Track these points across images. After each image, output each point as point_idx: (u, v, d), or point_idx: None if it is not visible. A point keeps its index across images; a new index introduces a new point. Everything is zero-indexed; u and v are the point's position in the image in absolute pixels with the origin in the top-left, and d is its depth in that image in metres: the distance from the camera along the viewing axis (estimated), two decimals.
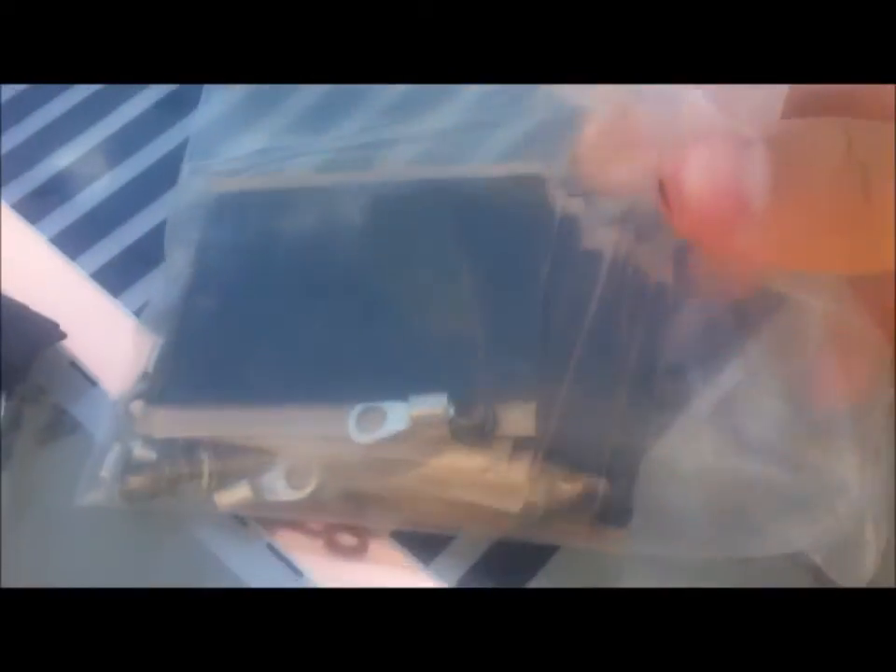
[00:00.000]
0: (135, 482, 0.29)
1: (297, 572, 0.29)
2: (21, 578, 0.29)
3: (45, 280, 0.35)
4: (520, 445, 0.27)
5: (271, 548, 0.30)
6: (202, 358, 0.30)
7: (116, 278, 0.35)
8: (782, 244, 0.21)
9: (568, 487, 0.27)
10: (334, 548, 0.29)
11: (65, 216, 0.37)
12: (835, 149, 0.20)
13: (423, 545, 0.29)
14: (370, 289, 0.30)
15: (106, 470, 0.29)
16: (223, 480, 0.29)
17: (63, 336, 0.32)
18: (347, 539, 0.30)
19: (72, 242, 0.36)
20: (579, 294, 0.28)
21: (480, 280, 0.29)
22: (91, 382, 0.33)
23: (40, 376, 0.33)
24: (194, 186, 0.33)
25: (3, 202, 0.37)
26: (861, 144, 0.20)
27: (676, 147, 0.21)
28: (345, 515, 0.29)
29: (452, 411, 0.26)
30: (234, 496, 0.28)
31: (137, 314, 0.34)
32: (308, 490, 0.28)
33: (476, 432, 0.27)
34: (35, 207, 0.37)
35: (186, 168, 0.34)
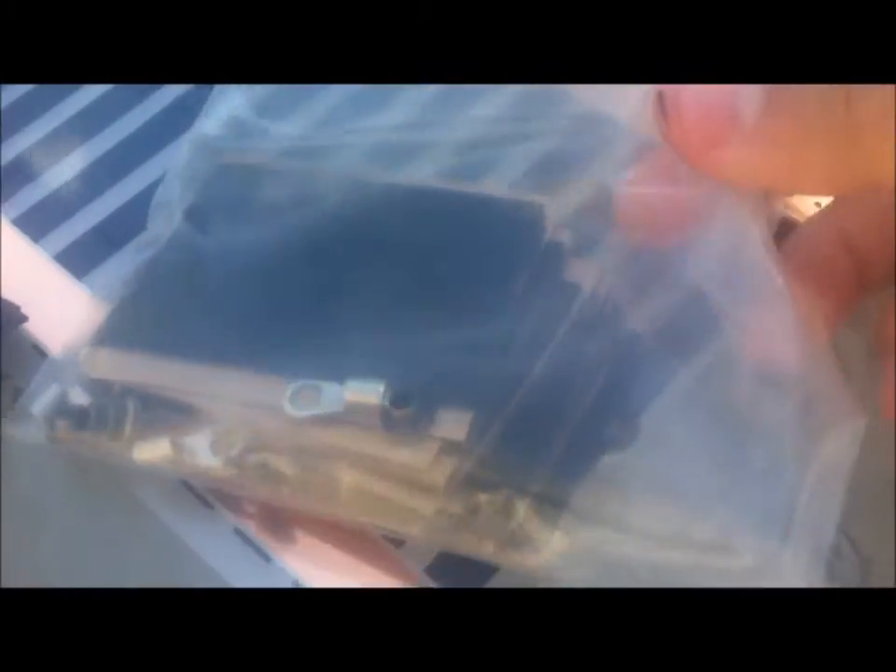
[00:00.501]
0: (62, 424, 0.29)
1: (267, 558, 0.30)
2: None
3: (7, 262, 0.34)
4: (447, 450, 0.27)
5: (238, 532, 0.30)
6: (156, 310, 0.30)
7: (80, 260, 0.35)
8: (769, 160, 0.22)
9: (487, 500, 0.27)
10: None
11: (28, 197, 0.36)
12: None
13: None
14: (338, 270, 0.30)
15: (38, 408, 0.29)
16: (146, 433, 0.29)
17: (23, 319, 0.32)
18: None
19: (35, 224, 0.36)
20: (548, 321, 0.28)
21: (454, 285, 0.29)
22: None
23: (2, 360, 0.32)
24: (198, 157, 0.33)
25: None
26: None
27: None
28: (262, 491, 0.29)
29: (387, 401, 0.26)
30: (154, 451, 0.28)
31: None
32: (229, 458, 0.28)
33: (406, 426, 0.27)
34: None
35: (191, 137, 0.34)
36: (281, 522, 0.30)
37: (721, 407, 0.26)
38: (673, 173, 0.24)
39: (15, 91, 0.39)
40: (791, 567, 0.24)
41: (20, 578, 0.29)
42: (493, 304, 0.29)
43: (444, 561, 0.29)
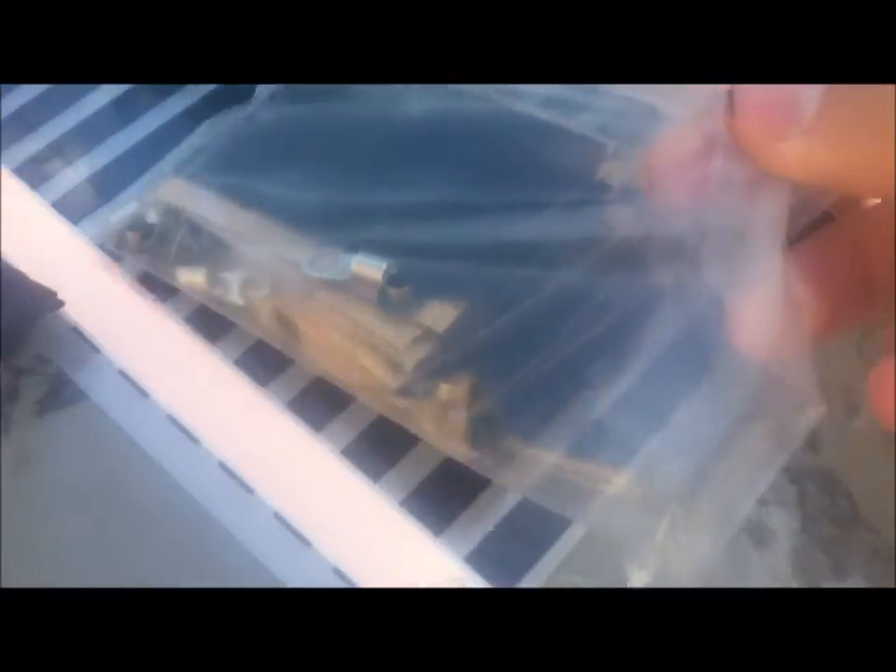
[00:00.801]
0: (131, 235, 0.34)
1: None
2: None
3: (46, 246, 0.34)
4: (425, 337, 0.29)
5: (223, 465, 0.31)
6: (230, 158, 0.34)
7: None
8: (826, 156, 0.22)
9: (447, 388, 0.28)
10: None
11: (68, 179, 0.36)
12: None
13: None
14: (399, 164, 0.33)
15: (115, 218, 0.34)
16: (188, 258, 0.33)
17: (60, 304, 0.32)
18: None
19: (75, 207, 0.36)
20: (572, 252, 0.29)
21: (499, 191, 0.31)
22: (94, 349, 0.33)
23: (41, 344, 0.33)
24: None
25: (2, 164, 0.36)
26: None
27: None
28: (273, 337, 0.32)
29: (386, 279, 0.29)
30: (191, 276, 0.33)
31: (140, 281, 0.34)
32: (253, 300, 0.32)
33: (396, 306, 0.29)
34: (36, 172, 0.36)
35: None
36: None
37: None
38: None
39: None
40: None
41: (20, 578, 0.29)
42: (525, 217, 0.30)
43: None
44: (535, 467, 0.28)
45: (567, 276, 0.29)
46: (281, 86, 0.36)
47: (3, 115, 0.38)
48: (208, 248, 0.33)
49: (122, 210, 0.34)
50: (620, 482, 0.27)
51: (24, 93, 0.39)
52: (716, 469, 0.25)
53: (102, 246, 0.35)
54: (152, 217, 0.34)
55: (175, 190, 0.33)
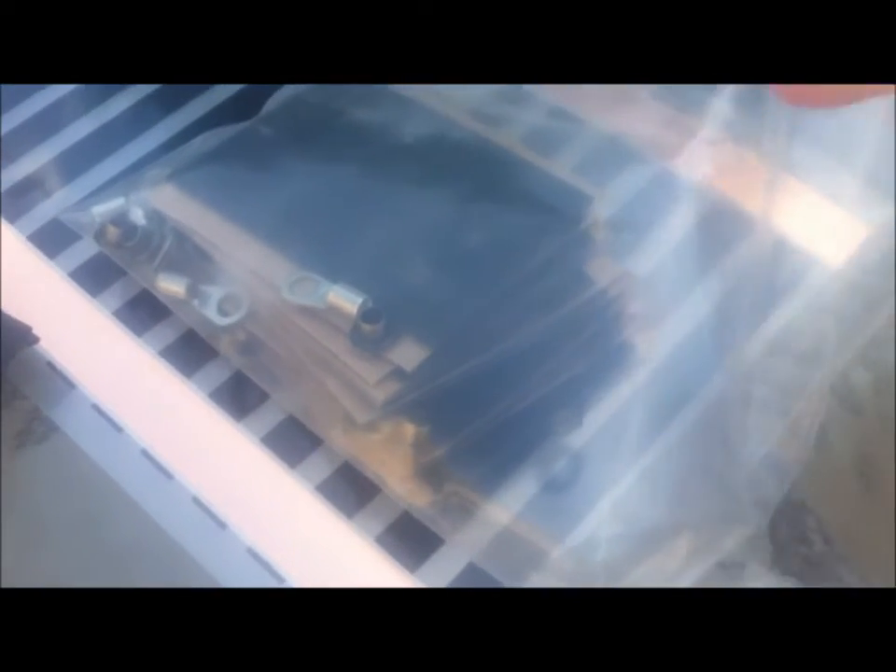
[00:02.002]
0: (112, 230, 0.34)
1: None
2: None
3: (21, 281, 0.34)
4: (397, 376, 0.29)
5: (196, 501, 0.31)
6: (224, 172, 0.35)
7: (93, 279, 0.35)
8: None
9: (411, 431, 0.29)
10: None
11: (44, 214, 0.36)
12: None
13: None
14: (385, 191, 0.33)
15: (99, 210, 0.34)
16: (171, 267, 0.33)
17: (35, 340, 0.32)
18: None
19: (52, 240, 0.36)
20: (548, 300, 0.30)
21: (479, 235, 0.32)
22: (69, 384, 0.33)
23: (17, 379, 0.32)
24: None
25: None
26: None
27: None
28: (242, 360, 0.32)
29: (360, 313, 0.29)
30: (172, 285, 0.33)
31: (116, 315, 0.34)
32: (228, 321, 0.32)
33: (368, 342, 0.29)
34: (13, 205, 0.36)
35: None
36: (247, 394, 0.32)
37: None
38: None
39: None
40: None
41: (20, 578, 0.29)
42: (503, 265, 0.31)
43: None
44: (487, 527, 0.28)
45: (539, 325, 0.29)
46: (280, 104, 0.37)
47: None
48: (192, 258, 0.33)
49: (107, 204, 0.34)
50: (556, 554, 0.27)
51: (2, 125, 0.39)
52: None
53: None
54: (138, 218, 0.34)
55: (164, 196, 0.34)
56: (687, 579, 0.26)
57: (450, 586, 0.28)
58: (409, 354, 0.29)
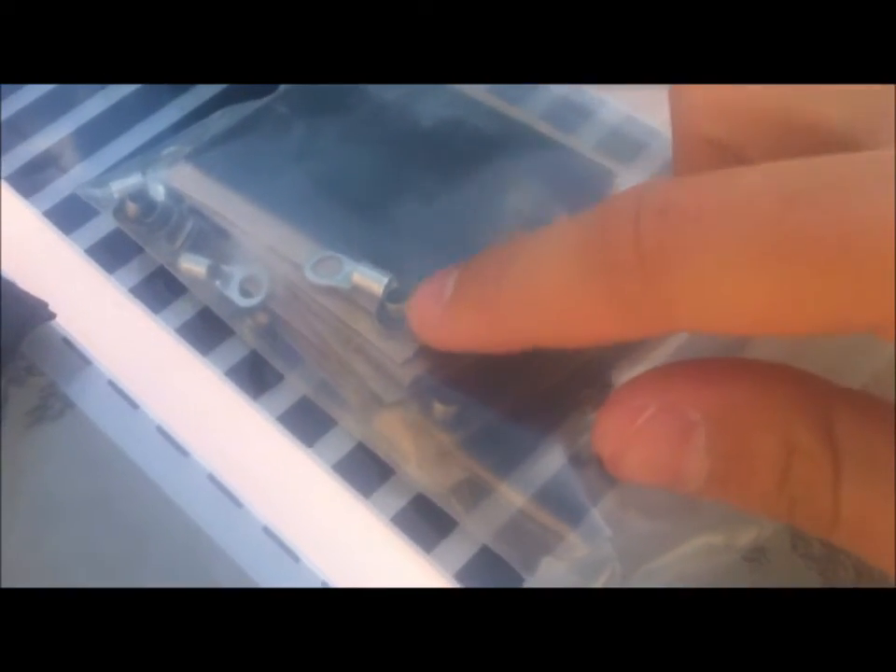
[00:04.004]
0: (131, 206, 0.33)
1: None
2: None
3: (37, 257, 0.34)
4: (422, 355, 0.29)
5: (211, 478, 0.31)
6: (245, 151, 0.34)
7: (110, 256, 0.35)
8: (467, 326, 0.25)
9: (440, 410, 0.28)
10: None
11: (60, 190, 0.36)
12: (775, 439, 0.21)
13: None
14: (405, 171, 0.33)
15: (117, 185, 0.34)
16: (193, 248, 0.33)
17: (51, 316, 0.32)
18: None
19: (68, 216, 0.36)
20: None
21: (499, 214, 0.31)
22: (85, 360, 0.33)
23: (32, 356, 0.32)
24: None
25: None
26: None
27: None
28: (263, 342, 0.32)
29: (386, 293, 0.29)
30: (193, 265, 0.32)
31: (132, 292, 0.34)
32: (250, 302, 0.31)
33: (394, 321, 0.29)
34: (29, 181, 0.36)
35: None
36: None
37: None
38: None
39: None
40: None
41: (35, 555, 0.29)
42: None
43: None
44: (502, 509, 0.28)
45: None
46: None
47: None
48: (212, 239, 0.33)
49: (125, 179, 0.34)
50: (568, 541, 0.27)
51: (17, 102, 0.38)
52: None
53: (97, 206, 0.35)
54: (157, 194, 0.33)
55: (183, 176, 0.33)
56: (704, 565, 0.26)
57: (463, 568, 0.28)
58: None
